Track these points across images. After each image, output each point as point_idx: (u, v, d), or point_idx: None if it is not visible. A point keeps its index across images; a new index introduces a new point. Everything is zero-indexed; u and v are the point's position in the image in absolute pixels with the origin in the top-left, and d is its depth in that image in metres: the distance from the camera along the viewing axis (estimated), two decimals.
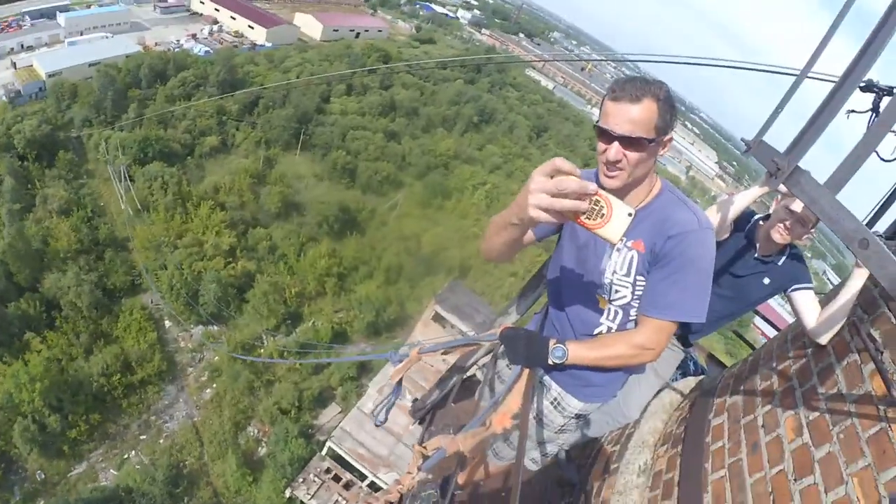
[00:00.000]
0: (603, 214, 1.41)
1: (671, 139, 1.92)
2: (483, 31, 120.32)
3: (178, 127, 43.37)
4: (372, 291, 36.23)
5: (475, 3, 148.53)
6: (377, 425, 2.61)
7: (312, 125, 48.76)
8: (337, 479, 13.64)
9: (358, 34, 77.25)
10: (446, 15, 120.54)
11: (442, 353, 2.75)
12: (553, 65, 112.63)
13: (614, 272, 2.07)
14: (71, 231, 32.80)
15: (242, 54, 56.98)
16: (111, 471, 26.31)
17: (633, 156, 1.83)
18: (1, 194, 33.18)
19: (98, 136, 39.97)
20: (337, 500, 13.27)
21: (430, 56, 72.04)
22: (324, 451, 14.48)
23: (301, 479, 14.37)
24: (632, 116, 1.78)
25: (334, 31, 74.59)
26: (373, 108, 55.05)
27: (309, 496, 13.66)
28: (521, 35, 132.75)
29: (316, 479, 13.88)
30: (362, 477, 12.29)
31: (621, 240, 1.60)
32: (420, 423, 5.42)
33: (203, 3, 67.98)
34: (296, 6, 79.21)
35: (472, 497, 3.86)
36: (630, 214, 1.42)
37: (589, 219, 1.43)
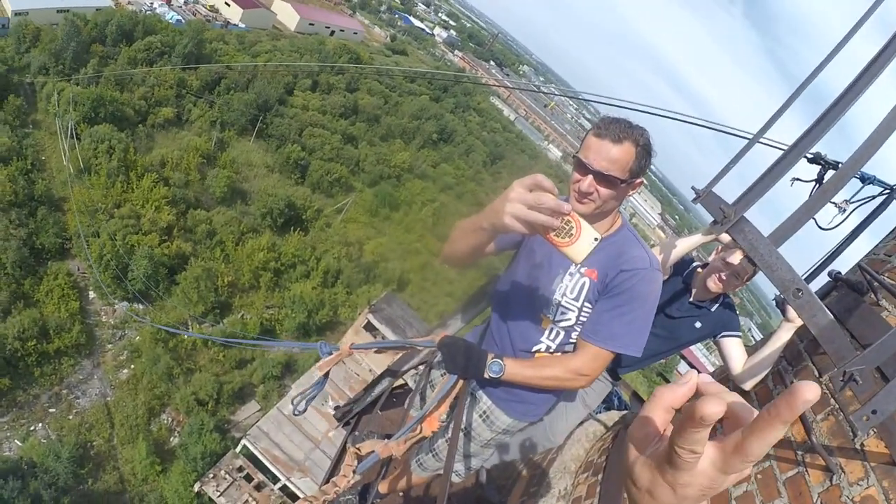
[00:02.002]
0: (571, 234, 1.47)
1: (641, 182, 2.04)
2: (456, 52, 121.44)
3: (135, 91, 41.80)
4: (307, 292, 35.55)
5: (453, 24, 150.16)
6: (296, 414, 2.59)
7: (271, 115, 47.87)
8: (249, 478, 13.30)
9: (333, 32, 76.88)
10: (423, 30, 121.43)
11: (375, 352, 2.75)
12: (517, 96, 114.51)
13: (564, 294, 2.16)
14: (7, 181, 30.90)
15: (214, 30, 55.63)
16: (16, 441, 24.79)
17: (604, 191, 1.95)
18: None
19: (52, 86, 38.11)
20: (247, 501, 12.92)
21: (400, 67, 72.17)
22: (238, 449, 14.10)
23: (212, 475, 13.97)
24: (610, 155, 1.90)
25: (310, 24, 73.94)
26: (335, 108, 54.59)
27: (218, 493, 13.26)
28: (493, 63, 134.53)
29: (227, 476, 13.51)
30: (275, 479, 12.03)
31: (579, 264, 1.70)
32: (344, 427, 5.40)
33: None
34: None
35: None
36: (596, 239, 1.48)
37: (558, 236, 1.48)
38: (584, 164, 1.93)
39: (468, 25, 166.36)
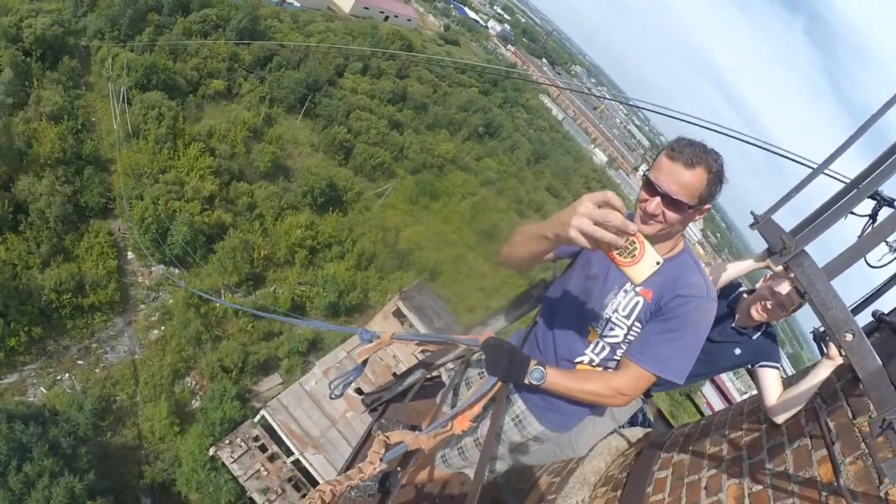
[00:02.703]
0: (634, 255, 1.50)
1: (709, 208, 2.00)
2: (509, 46, 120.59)
3: (188, 62, 42.54)
4: (340, 272, 35.81)
5: (507, 17, 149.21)
6: (332, 398, 2.60)
7: (320, 95, 48.19)
8: (263, 449, 13.56)
9: (387, 17, 76.88)
10: (477, 22, 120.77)
11: (416, 344, 2.74)
12: (566, 96, 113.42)
13: (615, 311, 2.15)
14: (57, 139, 31.62)
15: (269, 7, 56.14)
16: (41, 388, 25.52)
17: (671, 215, 1.91)
18: None
19: (107, 50, 38.97)
20: (259, 470, 13.18)
21: (452, 57, 72.04)
22: (256, 419, 14.39)
23: (227, 441, 14.27)
24: (682, 180, 1.86)
25: (365, 8, 74.08)
26: (384, 93, 54.71)
27: (231, 459, 13.55)
28: (545, 60, 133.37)
29: (242, 444, 13.80)
30: (289, 453, 12.22)
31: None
32: (370, 413, 5.42)
33: None
34: None
35: (408, 499, 3.90)
36: (658, 263, 1.51)
37: (620, 255, 1.51)
38: (654, 184, 1.89)
39: (523, 20, 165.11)
